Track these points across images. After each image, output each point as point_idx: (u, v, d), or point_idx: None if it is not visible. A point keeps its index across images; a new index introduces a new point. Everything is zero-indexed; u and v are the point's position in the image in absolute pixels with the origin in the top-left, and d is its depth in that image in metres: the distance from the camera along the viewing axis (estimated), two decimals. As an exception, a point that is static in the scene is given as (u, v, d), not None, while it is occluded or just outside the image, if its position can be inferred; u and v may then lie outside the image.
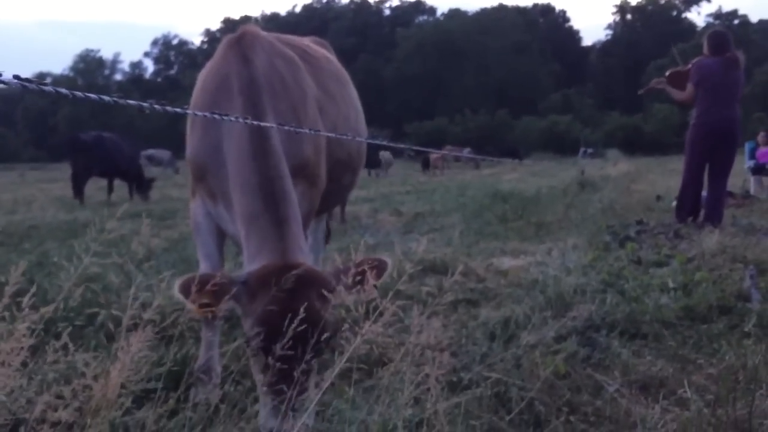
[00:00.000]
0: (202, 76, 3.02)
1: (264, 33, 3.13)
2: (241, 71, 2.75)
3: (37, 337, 1.97)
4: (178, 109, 1.91)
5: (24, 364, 1.97)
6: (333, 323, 2.29)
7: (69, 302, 2.15)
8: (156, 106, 1.79)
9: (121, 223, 8.73)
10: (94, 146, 14.90)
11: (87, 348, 2.37)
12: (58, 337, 2.05)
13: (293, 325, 2.06)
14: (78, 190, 14.60)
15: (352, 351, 2.07)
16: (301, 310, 2.09)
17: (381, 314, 2.23)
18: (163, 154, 33.04)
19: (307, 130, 2.76)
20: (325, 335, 2.19)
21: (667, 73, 7.98)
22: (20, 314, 1.89)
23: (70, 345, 2.05)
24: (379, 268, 2.36)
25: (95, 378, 2.00)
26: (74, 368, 2.16)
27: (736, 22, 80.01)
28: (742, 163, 13.40)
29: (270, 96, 2.75)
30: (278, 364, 2.09)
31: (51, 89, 1.19)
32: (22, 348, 1.85)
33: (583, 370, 2.92)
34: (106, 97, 1.36)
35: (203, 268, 2.90)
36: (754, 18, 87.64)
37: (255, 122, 2.14)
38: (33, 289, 1.95)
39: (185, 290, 2.14)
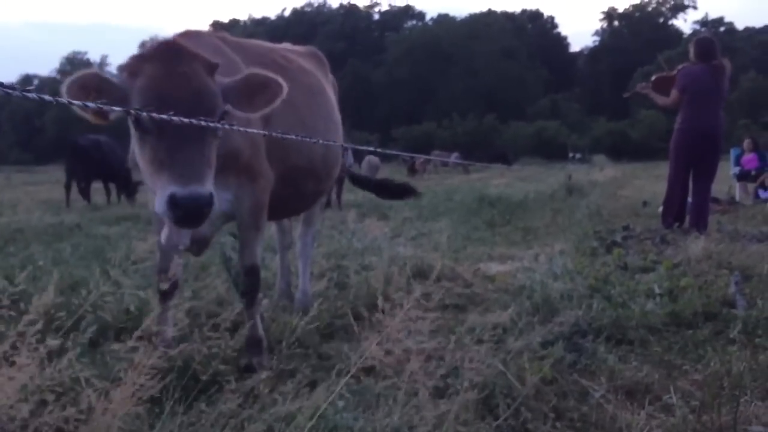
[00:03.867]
0: None
1: (213, 35, 3.20)
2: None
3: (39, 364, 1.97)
4: (164, 116, 1.91)
5: (22, 386, 1.96)
6: (218, 96, 2.34)
7: (79, 337, 2.16)
8: (141, 113, 1.78)
9: (107, 227, 8.65)
10: (92, 151, 14.98)
11: (73, 352, 2.35)
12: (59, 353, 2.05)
13: (186, 93, 2.17)
14: (68, 192, 14.67)
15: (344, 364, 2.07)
16: (188, 71, 2.20)
17: (383, 334, 2.22)
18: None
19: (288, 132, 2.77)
20: (215, 107, 2.27)
21: (653, 78, 8.04)
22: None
23: (74, 363, 2.04)
24: (271, 90, 2.48)
25: (97, 396, 1.99)
26: (72, 387, 2.15)
27: (722, 29, 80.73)
28: (728, 170, 13.49)
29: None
30: (171, 131, 2.13)
31: (35, 96, 1.18)
32: (21, 368, 1.84)
33: (570, 375, 2.92)
34: (90, 104, 1.35)
35: (158, 257, 3.11)
36: (740, 25, 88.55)
37: (239, 128, 2.14)
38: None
39: (78, 99, 2.07)
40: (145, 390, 2.10)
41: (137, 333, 2.22)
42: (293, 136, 3.03)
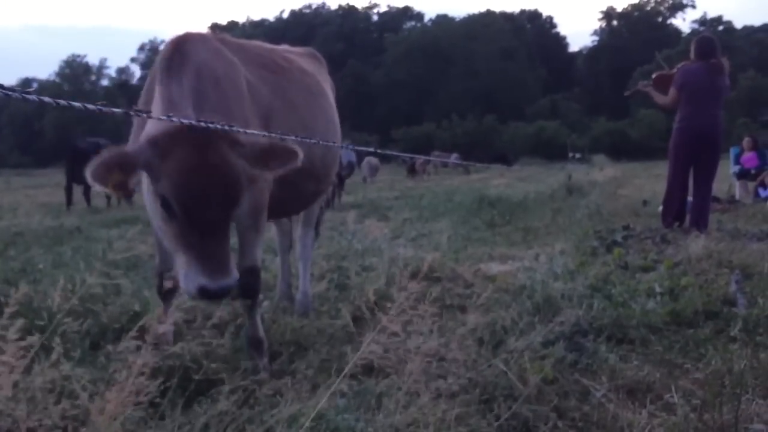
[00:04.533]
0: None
1: (213, 37, 3.20)
2: (171, 56, 2.83)
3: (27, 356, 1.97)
4: (162, 117, 1.91)
5: (14, 384, 1.96)
6: (245, 175, 2.40)
7: (65, 329, 2.16)
8: (141, 114, 1.78)
9: (107, 230, 8.63)
10: (93, 153, 14.94)
11: (71, 357, 2.35)
12: (48, 351, 2.05)
13: (217, 180, 2.23)
14: (69, 195, 14.64)
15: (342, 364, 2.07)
16: (219, 162, 2.25)
17: (381, 331, 2.23)
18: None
19: (280, 133, 2.77)
20: (243, 195, 2.35)
21: (654, 76, 8.04)
22: (10, 333, 1.89)
23: (63, 361, 2.04)
24: (288, 158, 2.54)
25: (90, 398, 1.99)
26: (67, 388, 2.15)
27: (720, 28, 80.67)
28: (728, 168, 13.49)
29: (195, 77, 2.78)
30: (201, 221, 2.23)
31: (35, 98, 1.18)
32: (13, 368, 1.84)
33: (571, 375, 2.92)
34: (90, 105, 1.35)
35: (156, 256, 3.21)
36: (738, 24, 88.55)
37: (229, 128, 2.14)
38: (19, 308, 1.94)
39: (100, 178, 2.22)
40: (143, 390, 2.10)
41: (132, 332, 2.23)
42: (293, 137, 3.02)
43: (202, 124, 2.07)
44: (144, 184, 2.46)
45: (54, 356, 2.04)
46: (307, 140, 3.14)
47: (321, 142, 3.34)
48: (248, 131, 2.59)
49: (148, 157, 2.28)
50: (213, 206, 2.26)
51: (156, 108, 2.67)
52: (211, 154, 2.28)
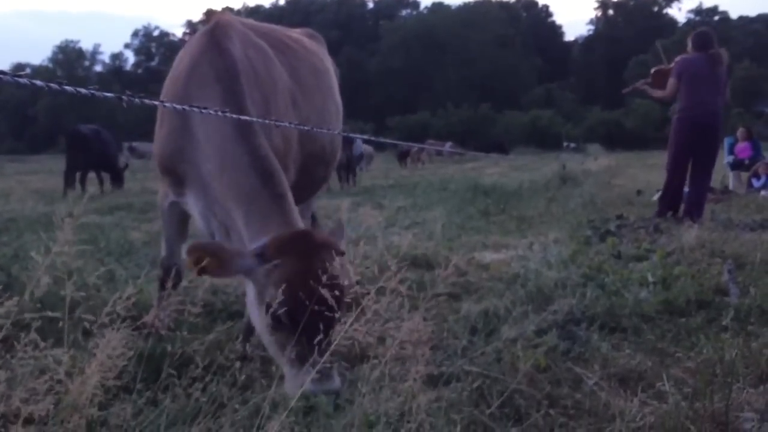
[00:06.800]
0: (175, 66, 3.06)
1: (238, 22, 3.17)
2: (215, 60, 2.81)
3: (5, 330, 1.96)
4: (155, 102, 1.89)
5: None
6: (347, 284, 2.42)
7: (35, 293, 2.14)
8: (134, 99, 1.77)
9: (101, 216, 8.60)
10: (93, 140, 14.82)
11: (62, 344, 2.34)
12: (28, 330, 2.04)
13: (323, 290, 2.19)
14: (68, 182, 14.42)
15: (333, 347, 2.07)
16: (327, 274, 2.22)
17: (363, 311, 2.24)
18: (146, 146, 32.76)
19: (287, 123, 2.77)
20: (345, 296, 2.33)
21: (652, 71, 8.02)
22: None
23: (39, 340, 2.03)
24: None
25: (68, 375, 1.99)
26: (46, 365, 2.14)
27: (716, 18, 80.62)
28: (722, 159, 13.50)
29: (246, 84, 2.79)
30: (306, 331, 2.22)
31: (26, 81, 1.17)
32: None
33: (563, 363, 2.93)
34: (82, 90, 1.34)
35: (163, 249, 3.22)
36: (734, 14, 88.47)
37: (232, 115, 2.14)
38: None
39: (195, 259, 2.27)
40: (117, 366, 2.10)
41: (107, 309, 2.21)
42: (290, 125, 3.01)
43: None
44: (249, 291, 2.47)
45: (30, 336, 2.03)
46: (323, 130, 3.16)
47: (326, 131, 3.35)
48: (253, 119, 2.58)
49: (249, 266, 2.33)
50: (322, 316, 2.22)
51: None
52: (320, 265, 2.26)
